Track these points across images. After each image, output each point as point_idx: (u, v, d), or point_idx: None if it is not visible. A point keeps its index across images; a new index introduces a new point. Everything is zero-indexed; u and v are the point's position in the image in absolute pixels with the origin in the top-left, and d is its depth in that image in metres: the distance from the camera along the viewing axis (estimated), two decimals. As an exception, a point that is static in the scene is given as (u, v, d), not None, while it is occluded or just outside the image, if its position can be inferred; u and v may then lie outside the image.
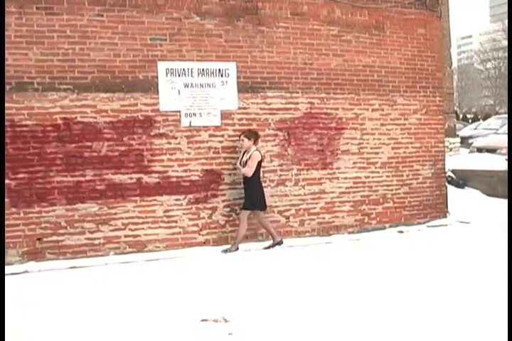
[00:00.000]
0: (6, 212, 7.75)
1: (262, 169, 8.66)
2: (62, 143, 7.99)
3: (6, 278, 7.18)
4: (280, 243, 8.69)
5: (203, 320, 5.11)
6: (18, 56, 7.80)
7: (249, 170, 8.38)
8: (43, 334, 4.79)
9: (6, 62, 7.71)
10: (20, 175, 7.86)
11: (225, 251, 8.41)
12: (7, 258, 7.77)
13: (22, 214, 7.91)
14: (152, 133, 8.32)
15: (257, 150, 8.51)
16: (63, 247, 8.07)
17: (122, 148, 8.26)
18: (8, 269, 7.59)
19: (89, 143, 8.11)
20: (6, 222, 7.75)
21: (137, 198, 8.36)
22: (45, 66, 7.91)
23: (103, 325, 5.07)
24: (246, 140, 8.48)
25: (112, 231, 8.26)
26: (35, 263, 7.85)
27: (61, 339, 4.70)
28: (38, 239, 7.98)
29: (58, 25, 7.95)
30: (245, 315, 5.23)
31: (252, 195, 8.49)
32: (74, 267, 7.72)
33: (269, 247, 8.62)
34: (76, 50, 8.03)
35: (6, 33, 7.72)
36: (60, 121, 7.99)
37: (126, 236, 8.33)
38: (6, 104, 7.73)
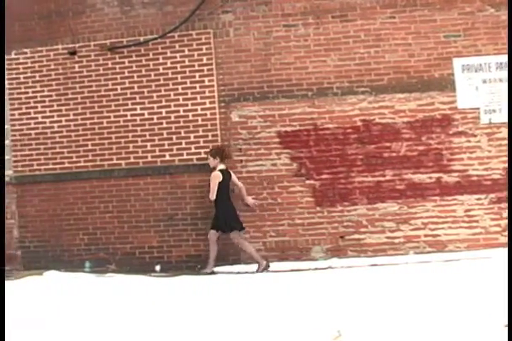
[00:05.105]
0: (311, 210, 8.31)
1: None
2: (362, 144, 8.29)
3: (311, 273, 7.70)
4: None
5: (506, 326, 4.90)
6: (317, 63, 8.31)
7: (210, 193, 8.08)
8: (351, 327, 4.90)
9: (306, 70, 8.27)
10: (324, 176, 8.32)
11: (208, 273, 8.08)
12: (312, 254, 8.31)
13: (326, 213, 8.36)
14: (451, 132, 8.23)
15: (219, 170, 8.13)
16: (364, 245, 8.34)
17: (421, 148, 8.30)
18: (312, 264, 8.13)
19: (388, 144, 8.30)
20: (311, 221, 8.33)
21: (437, 197, 8.32)
22: (342, 71, 8.32)
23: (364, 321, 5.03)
24: (211, 159, 8.21)
25: (411, 230, 8.33)
26: (337, 260, 8.21)
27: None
28: (341, 237, 8.36)
29: (353, 30, 8.32)
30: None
31: (219, 215, 8.14)
32: (375, 265, 7.94)
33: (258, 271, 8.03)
34: (371, 53, 8.30)
35: (305, 43, 8.29)
36: (359, 123, 8.31)
37: (425, 235, 8.33)
38: (308, 109, 8.32)
